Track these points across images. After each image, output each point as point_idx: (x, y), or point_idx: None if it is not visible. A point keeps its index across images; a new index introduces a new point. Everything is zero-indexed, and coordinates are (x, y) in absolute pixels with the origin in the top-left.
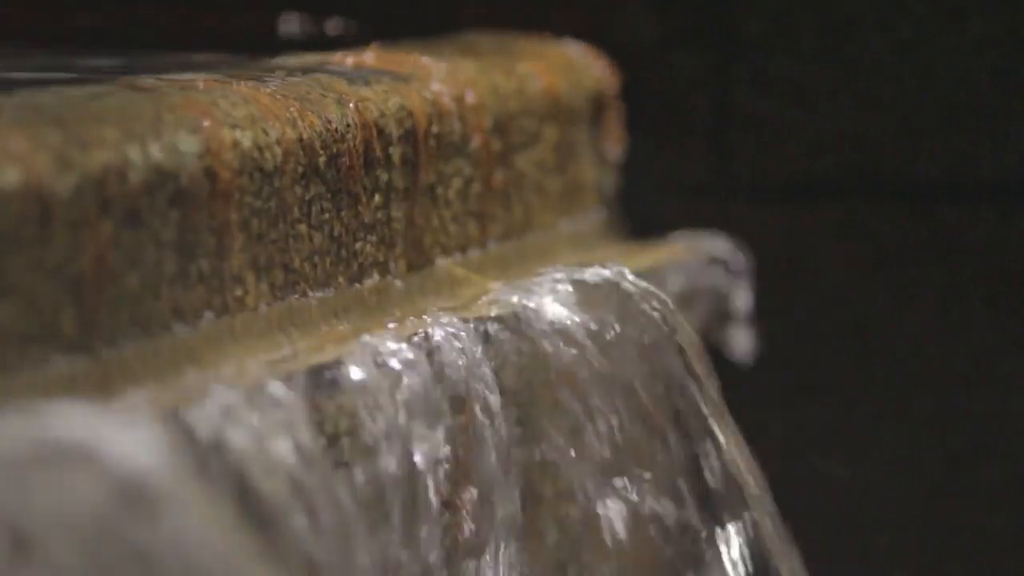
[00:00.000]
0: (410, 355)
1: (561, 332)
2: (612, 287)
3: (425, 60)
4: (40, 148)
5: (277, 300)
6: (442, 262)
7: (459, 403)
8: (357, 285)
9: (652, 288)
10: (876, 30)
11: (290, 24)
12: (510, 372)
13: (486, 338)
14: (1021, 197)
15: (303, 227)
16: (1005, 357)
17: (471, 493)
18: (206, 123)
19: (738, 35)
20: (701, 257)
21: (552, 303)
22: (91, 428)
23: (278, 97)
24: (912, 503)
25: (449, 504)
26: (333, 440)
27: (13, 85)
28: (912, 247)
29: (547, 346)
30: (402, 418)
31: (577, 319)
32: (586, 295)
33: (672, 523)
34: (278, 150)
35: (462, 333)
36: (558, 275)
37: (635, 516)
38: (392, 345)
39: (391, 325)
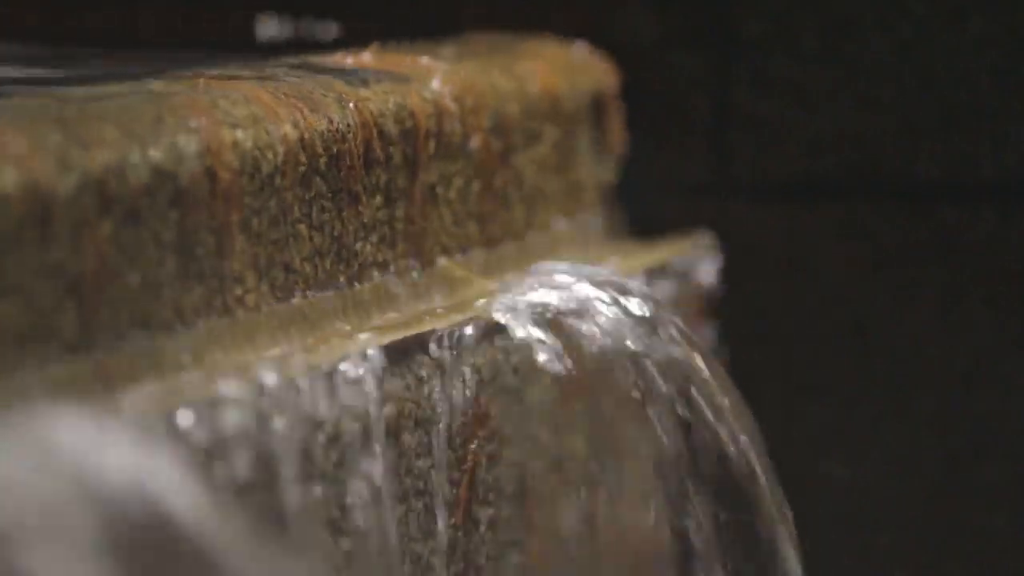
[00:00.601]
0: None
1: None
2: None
3: (425, 60)
4: (40, 148)
5: (277, 300)
6: (442, 262)
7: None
8: (357, 285)
9: (648, 290)
10: (876, 30)
11: (290, 24)
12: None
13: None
14: (1021, 197)
15: (303, 227)
16: (1005, 357)
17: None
18: (206, 123)
19: (738, 35)
20: (697, 257)
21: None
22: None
23: (278, 97)
24: (912, 503)
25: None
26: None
27: (12, 85)
28: (912, 247)
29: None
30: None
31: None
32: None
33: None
34: (279, 150)
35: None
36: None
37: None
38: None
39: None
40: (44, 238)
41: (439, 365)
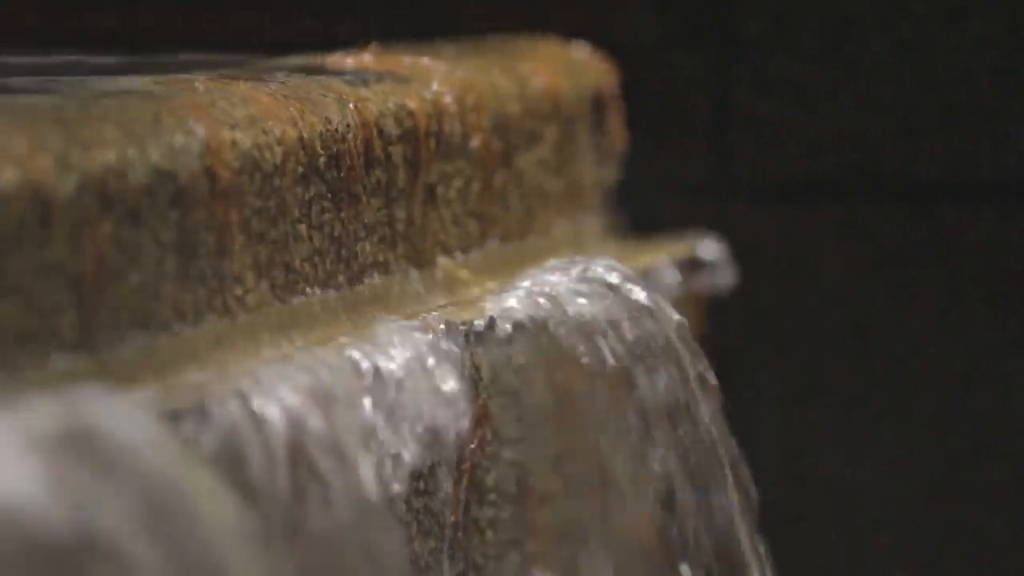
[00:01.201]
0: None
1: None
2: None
3: (425, 60)
4: (40, 148)
5: (277, 300)
6: (442, 262)
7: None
8: (357, 285)
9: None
10: (876, 30)
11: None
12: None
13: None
14: (1021, 197)
15: (303, 227)
16: (1005, 357)
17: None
18: (206, 123)
19: (738, 35)
20: (694, 257)
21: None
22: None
23: (278, 97)
24: (912, 503)
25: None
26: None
27: (14, 85)
28: (912, 247)
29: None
30: None
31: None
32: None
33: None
34: (278, 150)
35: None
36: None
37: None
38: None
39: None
40: (44, 238)
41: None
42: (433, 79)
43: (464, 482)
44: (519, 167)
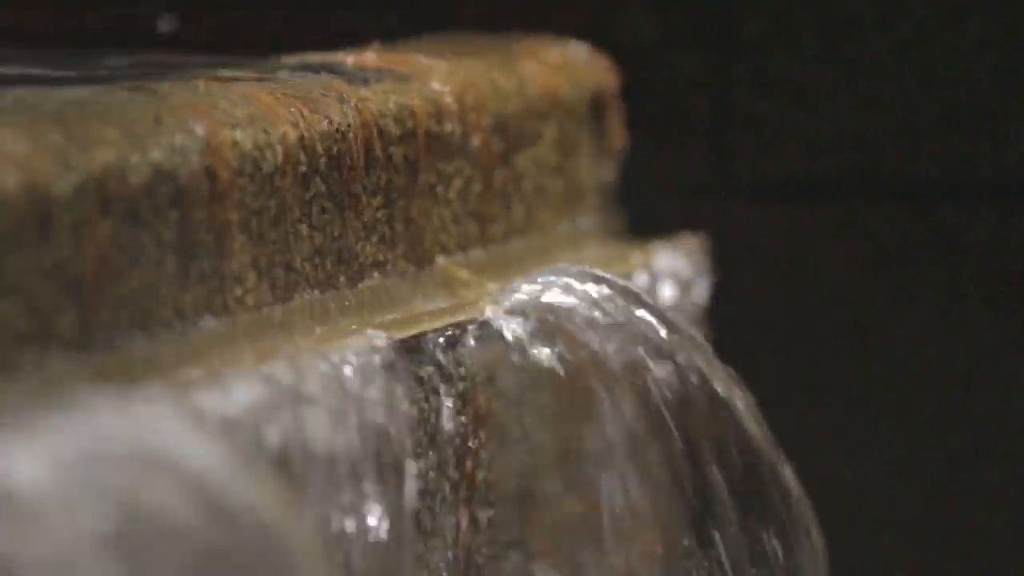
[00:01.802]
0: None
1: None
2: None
3: (425, 60)
4: (40, 148)
5: (278, 300)
6: (443, 262)
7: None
8: (358, 285)
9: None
10: (876, 30)
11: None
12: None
13: None
14: (1021, 197)
15: (304, 227)
16: (1005, 357)
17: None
18: (206, 123)
19: (738, 35)
20: (692, 257)
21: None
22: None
23: (278, 97)
24: (912, 503)
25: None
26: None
27: (13, 85)
28: (912, 247)
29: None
30: None
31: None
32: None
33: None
34: (278, 150)
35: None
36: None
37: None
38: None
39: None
40: (44, 238)
41: (439, 365)
42: (433, 78)
43: (464, 482)
44: (519, 167)
